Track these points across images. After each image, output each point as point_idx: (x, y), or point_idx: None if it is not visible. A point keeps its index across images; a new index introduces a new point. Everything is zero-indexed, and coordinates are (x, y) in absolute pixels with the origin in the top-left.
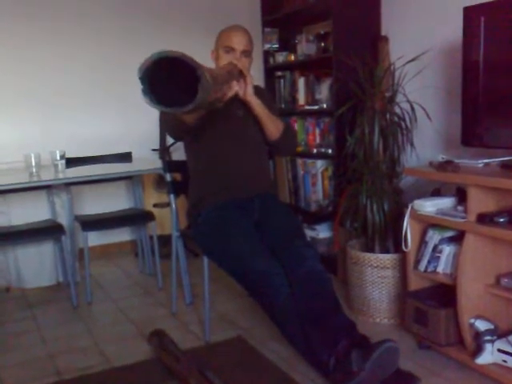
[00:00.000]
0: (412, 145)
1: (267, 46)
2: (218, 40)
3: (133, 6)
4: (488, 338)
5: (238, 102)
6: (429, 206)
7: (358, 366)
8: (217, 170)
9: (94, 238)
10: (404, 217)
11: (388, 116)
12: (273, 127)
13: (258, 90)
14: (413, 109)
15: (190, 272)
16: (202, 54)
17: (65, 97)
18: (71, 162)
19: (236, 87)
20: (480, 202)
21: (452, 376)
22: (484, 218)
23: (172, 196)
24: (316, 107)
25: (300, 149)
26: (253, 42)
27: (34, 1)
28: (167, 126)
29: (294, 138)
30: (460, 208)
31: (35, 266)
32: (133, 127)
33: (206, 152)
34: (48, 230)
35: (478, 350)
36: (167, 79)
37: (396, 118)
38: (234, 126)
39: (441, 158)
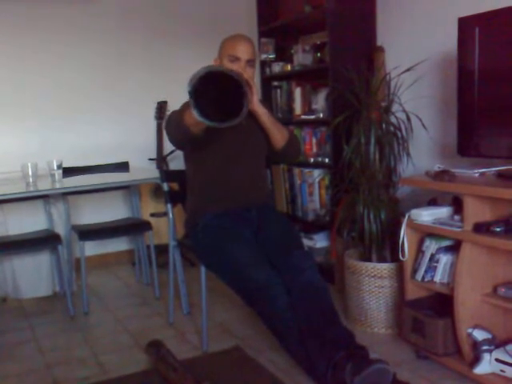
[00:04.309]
0: (408, 154)
1: (264, 55)
2: (222, 48)
3: (132, 18)
4: (486, 347)
5: None
6: (425, 216)
7: (349, 379)
8: (216, 179)
9: (91, 248)
10: (401, 226)
11: (384, 126)
12: (279, 135)
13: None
14: (409, 119)
15: (187, 281)
16: (201, 64)
17: (62, 107)
18: (68, 172)
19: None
20: (476, 211)
21: None
22: (480, 228)
23: (169, 205)
24: (312, 117)
25: (300, 158)
26: (256, 51)
27: (33, 12)
28: (171, 134)
29: (299, 143)
30: (456, 217)
31: (32, 276)
32: (130, 137)
33: (206, 161)
34: (45, 240)
35: (476, 359)
36: (204, 92)
37: (392, 128)
38: (236, 136)
39: (437, 167)
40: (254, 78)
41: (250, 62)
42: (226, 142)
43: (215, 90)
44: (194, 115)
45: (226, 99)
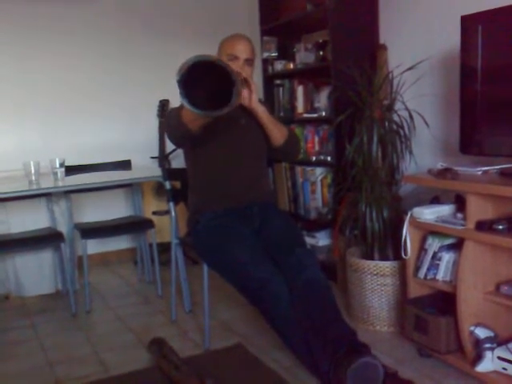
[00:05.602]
0: (411, 152)
1: (266, 54)
2: (221, 48)
3: (133, 17)
4: (488, 345)
5: (241, 110)
6: (428, 214)
7: (343, 373)
8: (217, 178)
9: (94, 246)
10: (403, 224)
11: (387, 124)
12: (278, 133)
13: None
14: (411, 117)
15: (190, 279)
16: None
17: (65, 105)
18: (71, 170)
19: (244, 95)
20: (479, 209)
21: None
22: (483, 226)
23: (171, 204)
24: (315, 115)
25: (299, 156)
26: (255, 50)
27: (34, 12)
28: (170, 132)
29: (298, 142)
30: (459, 215)
31: (34, 274)
32: (132, 135)
33: (206, 160)
34: (47, 238)
35: (478, 357)
36: (196, 82)
37: (394, 126)
38: (236, 135)
39: (440, 165)
40: (252, 77)
41: (249, 61)
42: (226, 140)
43: (205, 80)
44: (184, 104)
45: (216, 88)
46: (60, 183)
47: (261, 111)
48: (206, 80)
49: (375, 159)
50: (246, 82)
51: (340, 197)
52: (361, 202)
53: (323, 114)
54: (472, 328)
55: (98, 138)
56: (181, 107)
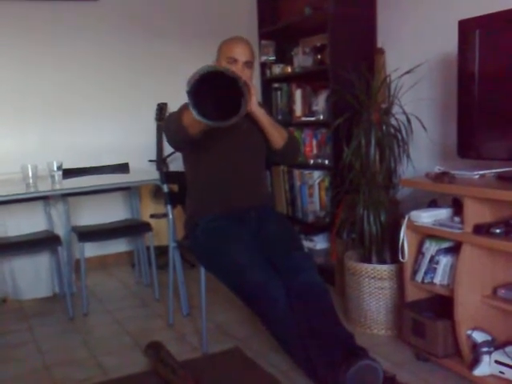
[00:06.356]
0: (408, 156)
1: (264, 58)
2: (220, 51)
3: (132, 20)
4: (485, 349)
5: None
6: (425, 217)
7: (342, 377)
8: (215, 181)
9: (91, 249)
10: (401, 228)
11: (384, 127)
12: (277, 135)
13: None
14: (409, 120)
15: (187, 283)
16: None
17: (62, 108)
18: (68, 173)
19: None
20: (476, 212)
21: None
22: (480, 229)
23: (169, 207)
24: (313, 119)
25: (299, 159)
26: (254, 53)
27: (33, 15)
28: (169, 136)
29: (298, 144)
30: (456, 219)
31: (31, 277)
32: (130, 138)
33: (205, 163)
34: (44, 241)
35: (476, 361)
36: (204, 92)
37: (392, 130)
38: (237, 139)
39: (437, 169)
40: (252, 80)
41: (248, 64)
42: (225, 143)
43: (213, 90)
44: (193, 114)
45: (224, 98)
46: (57, 186)
47: (261, 114)
48: (212, 88)
49: (373, 163)
50: (245, 86)
51: (338, 200)
52: (358, 206)
53: (321, 117)
54: (469, 332)
55: (96, 141)
56: (180, 111)
